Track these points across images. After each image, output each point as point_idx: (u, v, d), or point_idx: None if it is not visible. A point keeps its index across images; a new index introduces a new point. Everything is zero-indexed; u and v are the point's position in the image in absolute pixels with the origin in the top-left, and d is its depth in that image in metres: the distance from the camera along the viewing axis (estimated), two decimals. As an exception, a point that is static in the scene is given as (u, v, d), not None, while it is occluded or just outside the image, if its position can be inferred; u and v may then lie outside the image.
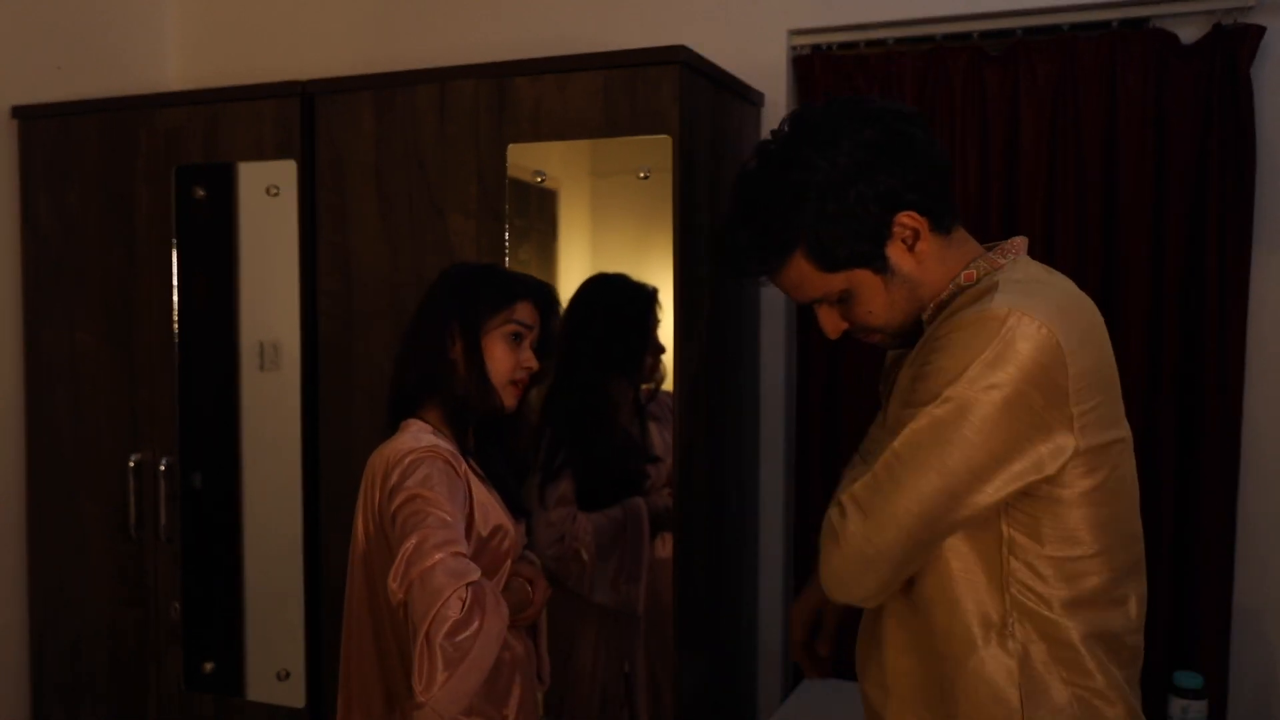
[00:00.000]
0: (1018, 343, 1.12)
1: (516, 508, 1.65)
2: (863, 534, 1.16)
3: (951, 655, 1.23)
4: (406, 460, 1.45)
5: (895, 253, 1.23)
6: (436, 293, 1.60)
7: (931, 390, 1.14)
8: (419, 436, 1.50)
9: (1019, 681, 1.20)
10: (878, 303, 1.26)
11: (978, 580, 1.21)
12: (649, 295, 1.96)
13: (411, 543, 1.36)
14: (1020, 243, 1.29)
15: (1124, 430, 1.24)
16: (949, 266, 1.26)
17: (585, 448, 2.01)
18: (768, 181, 1.25)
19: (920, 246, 1.23)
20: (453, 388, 1.54)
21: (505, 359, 1.55)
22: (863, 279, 1.25)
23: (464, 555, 1.37)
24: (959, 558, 1.22)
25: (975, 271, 1.25)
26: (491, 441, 1.64)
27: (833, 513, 1.20)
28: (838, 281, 1.25)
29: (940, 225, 1.24)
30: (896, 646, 1.29)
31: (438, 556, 1.34)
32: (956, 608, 1.22)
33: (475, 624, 1.32)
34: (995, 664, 1.21)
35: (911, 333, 1.29)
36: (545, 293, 1.62)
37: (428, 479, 1.43)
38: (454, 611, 1.30)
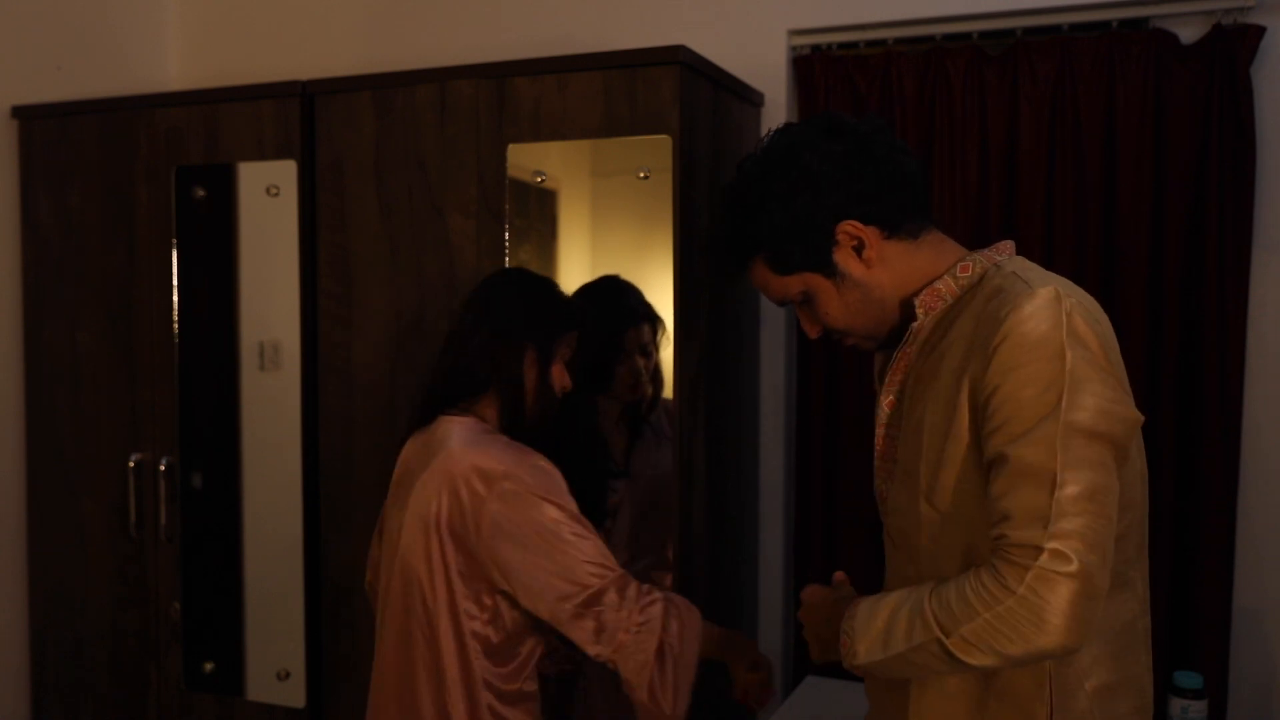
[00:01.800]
0: (1078, 318, 1.16)
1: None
2: (1094, 568, 1.10)
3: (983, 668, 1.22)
4: (510, 472, 1.50)
5: (843, 258, 1.30)
6: (507, 302, 1.64)
7: (1042, 403, 1.12)
8: (497, 440, 1.55)
9: (1048, 696, 1.20)
10: (832, 305, 1.34)
11: None
12: (626, 314, 1.98)
13: (590, 626, 1.48)
14: (1009, 245, 1.33)
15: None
16: (918, 268, 1.31)
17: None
18: (736, 191, 1.37)
19: (869, 254, 1.29)
20: (519, 401, 1.61)
21: (559, 380, 1.65)
22: (816, 282, 1.33)
23: (613, 569, 1.51)
24: None
25: (972, 265, 1.29)
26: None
27: (1046, 561, 1.09)
28: (794, 284, 1.34)
29: (899, 231, 1.30)
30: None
31: (603, 614, 1.48)
32: None
33: (678, 649, 1.52)
34: (1024, 676, 1.21)
35: (888, 337, 1.35)
36: (583, 320, 1.73)
37: (540, 487, 1.50)
38: (657, 661, 1.49)
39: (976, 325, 1.22)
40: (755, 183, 1.33)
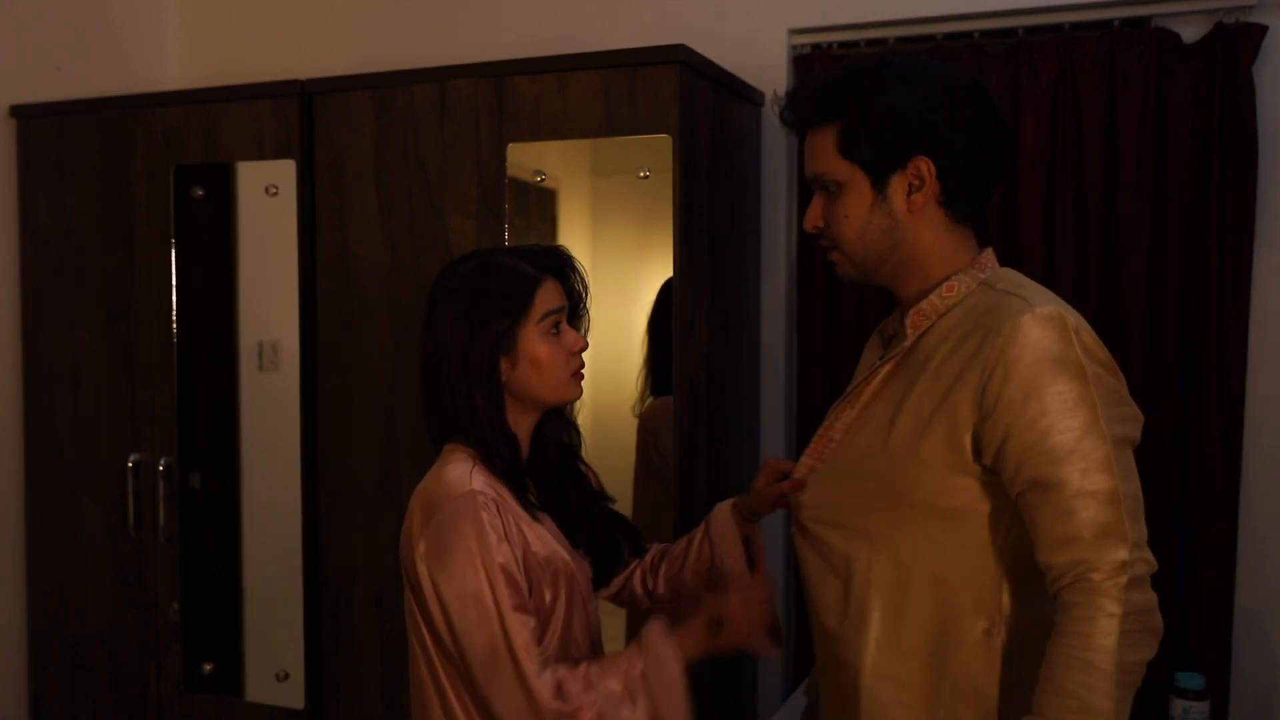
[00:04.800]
0: (1085, 334, 1.21)
1: (576, 533, 1.45)
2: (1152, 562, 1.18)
3: (936, 653, 1.26)
4: (441, 510, 1.30)
5: (897, 184, 1.31)
6: (440, 312, 1.40)
7: (1077, 421, 1.16)
8: (461, 475, 1.32)
9: (1000, 676, 1.24)
10: (857, 213, 1.32)
11: (974, 580, 1.25)
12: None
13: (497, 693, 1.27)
14: (990, 259, 1.35)
15: None
16: (941, 247, 1.32)
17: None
18: (866, 67, 1.33)
19: (918, 198, 1.30)
20: (477, 431, 1.36)
21: (554, 357, 1.37)
22: (860, 184, 1.31)
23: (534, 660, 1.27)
24: (960, 560, 1.25)
25: (957, 285, 1.31)
26: (548, 459, 1.47)
27: (1134, 570, 1.14)
28: (842, 170, 1.32)
29: (954, 206, 1.32)
30: (881, 647, 1.30)
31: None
32: (951, 608, 1.26)
33: None
34: (979, 661, 1.25)
35: (869, 276, 1.37)
36: (559, 259, 1.43)
37: (459, 536, 1.27)
38: None
39: (967, 339, 1.24)
40: (896, 69, 1.31)
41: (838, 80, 1.34)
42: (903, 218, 1.31)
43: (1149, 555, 1.16)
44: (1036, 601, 1.23)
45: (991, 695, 1.24)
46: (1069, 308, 1.25)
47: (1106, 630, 1.11)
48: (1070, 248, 2.13)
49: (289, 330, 2.29)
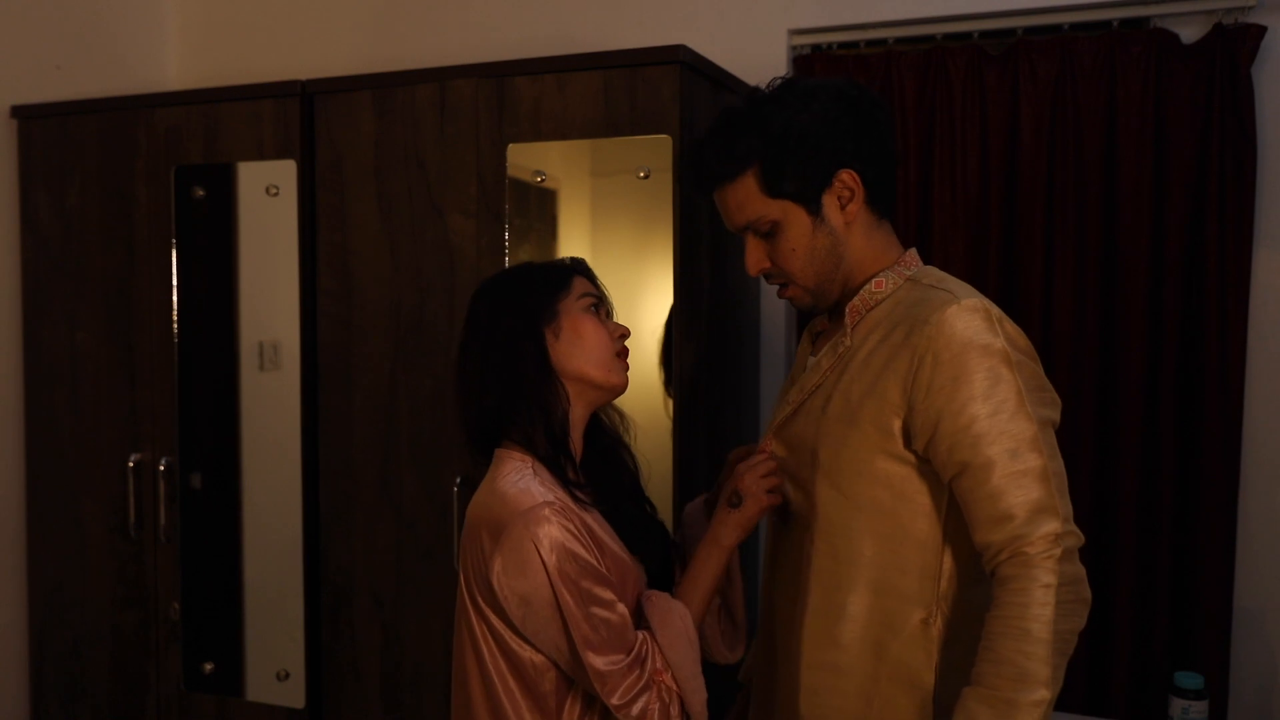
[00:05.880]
0: (1008, 324, 1.27)
1: (636, 541, 1.42)
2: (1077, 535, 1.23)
3: (875, 642, 1.30)
4: (513, 526, 1.26)
5: (829, 203, 1.35)
6: (477, 312, 1.39)
7: (1005, 404, 1.22)
8: (522, 485, 1.30)
9: (937, 664, 1.29)
10: (801, 243, 1.36)
11: (912, 572, 1.29)
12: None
13: (606, 683, 1.26)
14: (915, 256, 1.40)
15: None
16: (872, 248, 1.38)
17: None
18: (746, 109, 1.37)
19: (851, 208, 1.35)
20: (524, 410, 1.34)
21: (598, 331, 1.37)
22: (796, 215, 1.35)
23: (624, 648, 1.27)
24: (898, 553, 1.29)
25: (885, 281, 1.36)
26: (600, 462, 1.44)
27: (1065, 542, 1.19)
28: (774, 210, 1.35)
29: (876, 206, 1.37)
30: (816, 640, 1.33)
31: (615, 696, 1.26)
32: (890, 598, 1.30)
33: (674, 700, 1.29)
34: (917, 650, 1.29)
35: (825, 298, 1.40)
36: (583, 265, 1.47)
37: (532, 548, 1.25)
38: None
39: (895, 329, 1.29)
40: (778, 99, 1.35)
41: (732, 129, 1.36)
42: (841, 232, 1.36)
43: (1077, 529, 1.21)
44: (972, 591, 1.29)
45: (928, 682, 1.29)
46: (990, 301, 1.29)
47: (1043, 600, 1.16)
48: (1070, 248, 2.13)
49: (289, 330, 2.29)
